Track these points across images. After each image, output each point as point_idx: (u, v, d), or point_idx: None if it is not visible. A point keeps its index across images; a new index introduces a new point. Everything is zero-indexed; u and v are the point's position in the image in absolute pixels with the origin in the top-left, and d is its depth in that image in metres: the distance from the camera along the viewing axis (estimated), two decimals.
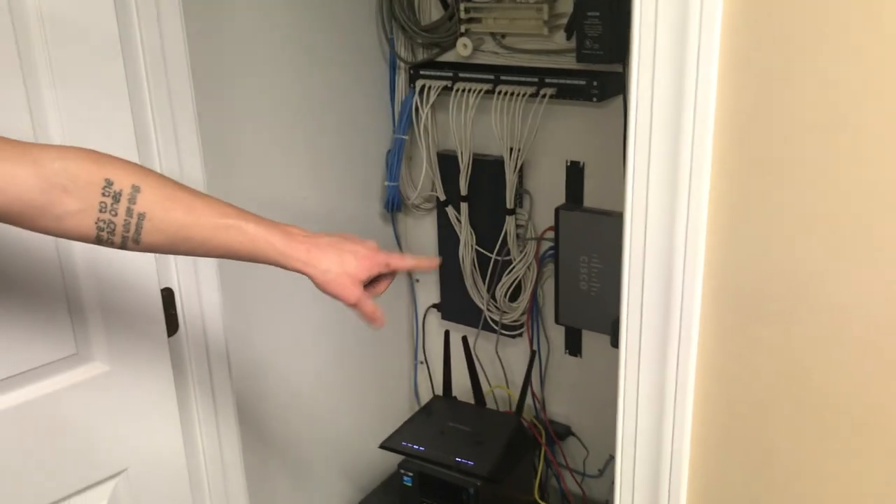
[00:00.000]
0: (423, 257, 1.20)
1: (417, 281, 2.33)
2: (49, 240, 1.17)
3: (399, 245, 2.26)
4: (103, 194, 0.94)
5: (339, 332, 2.12)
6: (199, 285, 1.47)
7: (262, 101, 1.83)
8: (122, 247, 0.98)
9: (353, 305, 1.07)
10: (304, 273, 1.04)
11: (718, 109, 0.89)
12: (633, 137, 0.94)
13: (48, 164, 0.91)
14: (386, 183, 2.15)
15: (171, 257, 1.42)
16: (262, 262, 1.04)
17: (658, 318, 0.99)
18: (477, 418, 1.96)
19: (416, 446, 1.82)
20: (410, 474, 1.80)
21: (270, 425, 1.94)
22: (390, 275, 1.13)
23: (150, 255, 1.36)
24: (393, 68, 2.11)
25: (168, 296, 1.43)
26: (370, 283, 1.10)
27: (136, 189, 0.95)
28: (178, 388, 1.45)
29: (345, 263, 1.05)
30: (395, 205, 2.17)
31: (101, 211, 0.94)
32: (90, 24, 1.21)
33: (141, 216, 0.96)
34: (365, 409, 2.23)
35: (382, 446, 1.86)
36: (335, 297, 1.07)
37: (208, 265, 1.48)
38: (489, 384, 2.18)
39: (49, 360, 1.27)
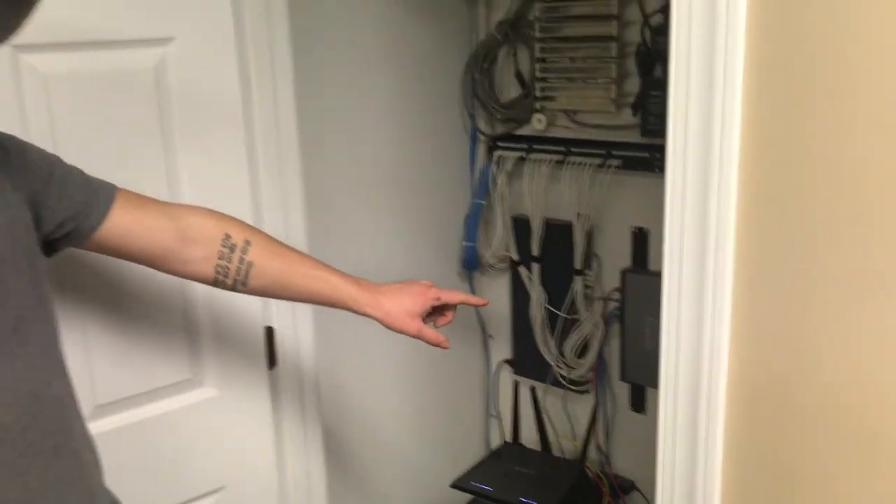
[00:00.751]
0: (472, 296, 1.42)
1: (491, 337, 2.49)
2: (175, 281, 1.39)
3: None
4: (222, 245, 1.20)
5: (418, 378, 2.28)
6: (296, 326, 1.66)
7: (354, 167, 2.04)
8: (232, 288, 1.23)
9: (416, 336, 1.28)
10: (371, 316, 1.28)
11: (740, 178, 1.03)
12: (668, 208, 1.10)
13: (182, 220, 1.18)
14: (464, 243, 2.34)
15: (274, 301, 1.62)
16: (340, 307, 1.28)
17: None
18: (543, 464, 2.08)
19: (484, 486, 1.96)
20: None
21: (352, 456, 2.11)
22: (452, 307, 1.32)
23: (256, 298, 1.56)
24: (473, 140, 2.32)
25: (269, 333, 1.63)
26: (437, 314, 1.29)
27: (247, 243, 1.21)
28: (275, 415, 1.64)
29: (403, 303, 1.27)
30: (471, 264, 2.34)
31: (219, 258, 1.20)
32: (218, 96, 1.44)
33: (249, 264, 1.21)
34: (438, 451, 2.36)
35: (454, 485, 2.00)
36: (399, 331, 1.28)
37: (304, 308, 1.68)
38: (556, 435, 2.30)
39: (166, 384, 1.48)
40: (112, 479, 1.23)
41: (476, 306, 1.38)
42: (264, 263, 1.22)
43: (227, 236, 1.21)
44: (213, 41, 1.42)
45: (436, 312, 1.33)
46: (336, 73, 1.95)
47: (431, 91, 2.21)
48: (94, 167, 1.24)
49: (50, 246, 1.09)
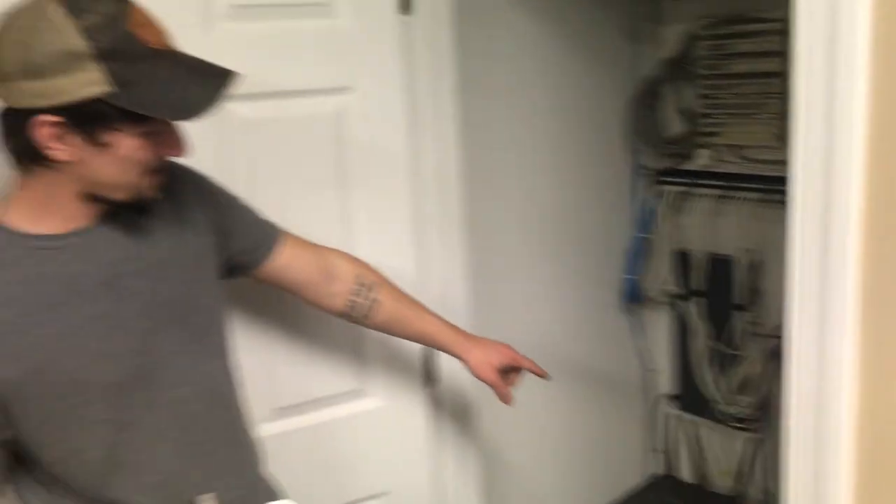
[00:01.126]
0: (539, 367, 1.56)
1: (652, 370, 2.51)
2: None
3: (636, 335, 2.46)
4: (356, 284, 1.41)
5: (578, 406, 2.35)
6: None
7: (517, 201, 2.16)
8: (356, 321, 1.46)
9: (491, 384, 1.50)
10: (462, 359, 1.50)
11: (863, 208, 1.05)
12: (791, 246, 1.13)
13: (329, 260, 1.42)
14: (625, 276, 2.38)
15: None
16: (439, 348, 1.54)
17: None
18: (697, 498, 2.08)
19: None
20: None
21: (509, 474, 2.20)
22: (518, 370, 1.54)
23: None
24: (636, 175, 2.37)
25: (430, 352, 1.77)
26: (512, 373, 1.53)
27: (377, 284, 1.44)
28: (435, 429, 1.77)
29: (489, 356, 1.49)
30: (632, 297, 2.38)
31: (352, 294, 1.42)
32: (389, 138, 1.61)
33: (375, 301, 1.43)
34: (594, 479, 2.40)
35: None
36: (480, 378, 1.50)
37: (461, 324, 1.80)
38: (714, 471, 2.28)
39: (335, 393, 1.64)
40: (284, 475, 1.41)
41: (541, 376, 1.54)
42: (387, 303, 1.45)
43: (362, 279, 1.42)
44: (386, 91, 1.59)
45: (512, 371, 1.53)
46: (501, 111, 2.08)
47: (594, 127, 2.29)
48: (283, 196, 1.47)
49: (224, 275, 1.29)
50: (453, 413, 1.81)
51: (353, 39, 1.54)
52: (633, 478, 2.54)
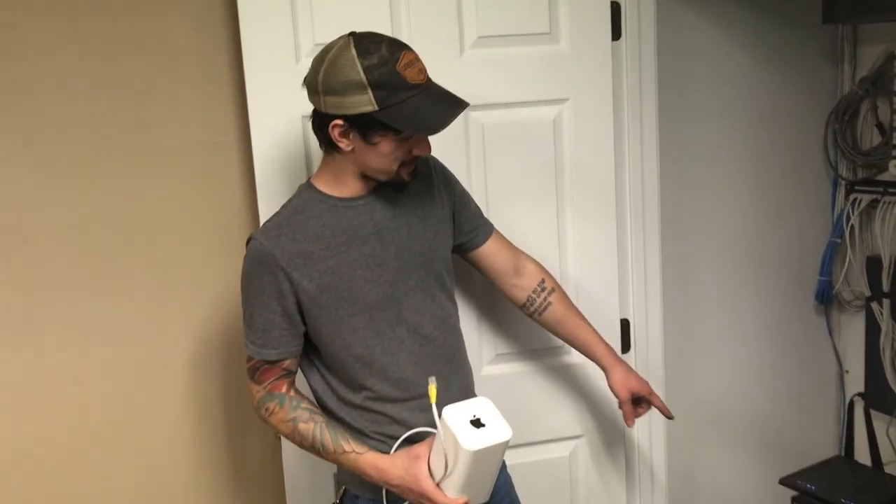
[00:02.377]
0: (664, 406, 1.84)
1: (847, 372, 2.65)
2: (555, 272, 1.94)
3: (830, 333, 2.63)
4: (538, 285, 1.79)
5: (768, 399, 2.56)
6: (647, 318, 2.11)
7: (716, 202, 2.42)
8: (530, 314, 1.82)
9: (622, 401, 1.80)
10: (608, 372, 1.81)
11: None
12: None
13: (522, 260, 1.81)
14: (819, 278, 2.57)
15: (631, 294, 2.09)
16: (591, 358, 1.84)
17: None
18: (870, 478, 2.24)
19: (809, 485, 2.18)
20: None
21: (694, 425, 2.46)
22: (648, 404, 1.83)
23: (616, 293, 2.04)
24: (834, 185, 2.55)
25: (625, 324, 2.10)
26: (644, 403, 1.83)
27: (554, 290, 1.80)
28: None
29: (629, 380, 1.80)
30: (825, 297, 2.56)
31: (532, 292, 1.79)
32: (596, 137, 1.97)
33: (549, 303, 1.79)
34: (779, 463, 2.57)
35: (782, 481, 2.26)
36: (615, 392, 1.80)
37: (655, 304, 2.12)
38: (892, 458, 2.40)
39: (542, 347, 2.01)
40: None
41: (667, 416, 1.86)
42: (558, 307, 1.80)
43: (543, 282, 1.80)
44: (596, 102, 1.95)
45: (643, 401, 1.83)
46: (700, 122, 2.37)
47: (795, 141, 2.51)
48: (510, 187, 1.91)
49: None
50: (644, 375, 2.13)
51: (570, 60, 1.92)
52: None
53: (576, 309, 1.83)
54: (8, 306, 1.90)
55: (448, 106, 1.46)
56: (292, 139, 1.82)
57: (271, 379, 1.57)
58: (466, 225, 1.73)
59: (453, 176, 1.73)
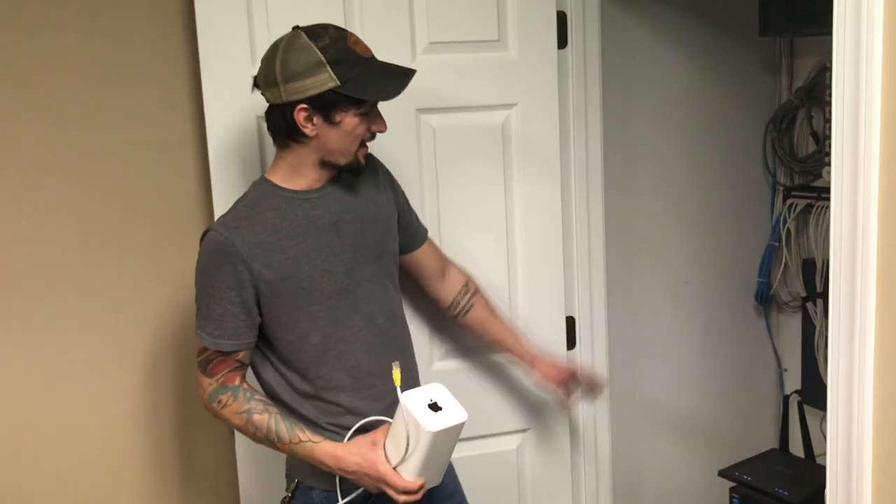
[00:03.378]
0: (596, 378, 2.00)
1: (786, 370, 2.76)
2: (503, 272, 2.01)
3: (770, 333, 2.74)
4: (462, 286, 1.89)
5: (709, 397, 2.66)
6: (592, 315, 2.19)
7: (657, 203, 2.52)
8: (453, 316, 1.91)
9: (553, 391, 1.93)
10: (530, 369, 1.93)
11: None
12: None
13: (448, 267, 1.91)
14: (758, 279, 2.68)
15: (577, 293, 2.17)
16: (511, 357, 1.96)
17: None
18: (804, 468, 2.34)
19: (746, 476, 2.28)
20: (737, 496, 2.27)
21: (635, 427, 2.55)
22: (577, 382, 1.95)
23: (561, 291, 2.12)
24: (773, 190, 2.67)
25: (570, 321, 2.18)
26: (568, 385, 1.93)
27: (476, 293, 1.91)
28: None
29: (552, 369, 1.92)
30: (764, 298, 2.67)
31: (457, 294, 1.89)
32: (543, 141, 2.04)
33: (471, 304, 1.89)
34: (715, 456, 2.67)
35: (720, 473, 2.35)
36: (544, 385, 1.94)
37: (599, 302, 2.20)
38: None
39: None
40: None
41: (598, 386, 2.01)
42: (479, 310, 1.91)
43: (467, 286, 1.90)
44: (543, 107, 2.03)
45: (571, 382, 1.95)
46: (644, 129, 2.47)
47: (735, 147, 2.63)
48: (460, 188, 1.96)
49: None
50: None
51: (518, 67, 1.99)
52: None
53: (496, 312, 1.93)
54: None
55: (400, 74, 1.56)
56: (247, 138, 1.87)
57: (224, 371, 1.61)
58: (407, 228, 1.80)
59: (395, 179, 1.81)
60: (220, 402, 1.61)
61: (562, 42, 2.06)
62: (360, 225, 1.65)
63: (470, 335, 1.99)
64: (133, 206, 2.00)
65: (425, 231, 1.86)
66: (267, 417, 1.59)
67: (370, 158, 1.69)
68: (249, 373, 1.67)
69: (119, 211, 1.99)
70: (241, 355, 1.62)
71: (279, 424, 1.59)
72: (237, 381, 1.62)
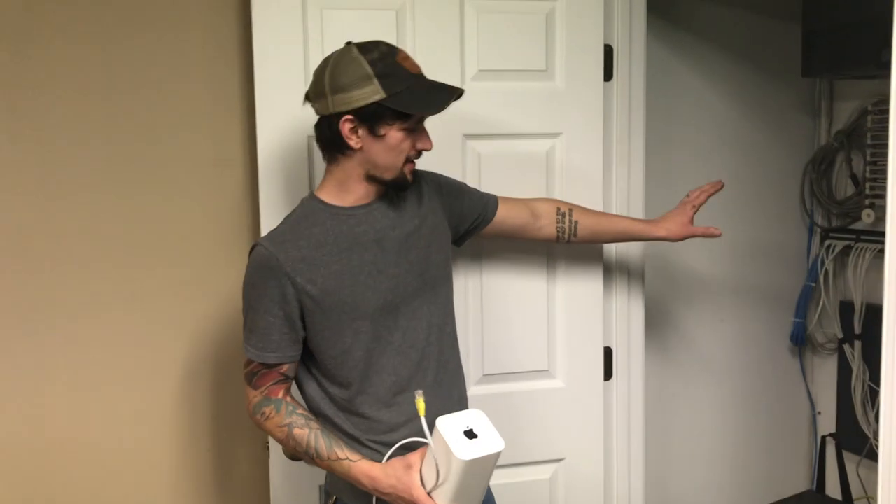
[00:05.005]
0: (710, 186, 2.00)
1: (819, 413, 2.74)
2: (543, 297, 2.02)
3: (804, 375, 2.72)
4: (557, 214, 1.89)
5: (741, 435, 2.63)
6: (629, 348, 2.19)
7: (698, 250, 2.52)
8: (567, 241, 1.93)
9: (694, 235, 1.95)
10: (661, 236, 1.95)
11: None
12: None
13: (531, 204, 1.90)
14: (794, 320, 2.66)
15: (615, 324, 2.17)
16: (639, 238, 1.99)
17: None
18: None
19: None
20: None
21: (671, 454, 2.52)
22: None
23: (600, 326, 2.12)
24: (810, 231, 2.67)
25: (608, 352, 2.17)
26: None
27: (571, 210, 1.91)
28: (605, 414, 2.16)
29: (676, 219, 1.94)
30: (799, 339, 2.66)
31: (557, 223, 1.89)
32: (586, 171, 2.06)
33: (575, 223, 1.90)
34: (757, 492, 2.65)
35: None
36: (682, 237, 1.95)
37: (637, 335, 2.20)
38: (865, 494, 2.47)
39: (530, 370, 2.08)
40: None
41: (717, 189, 2.00)
42: (585, 220, 1.91)
43: (559, 209, 1.90)
44: (588, 135, 2.05)
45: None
46: (684, 164, 2.49)
47: (774, 188, 2.64)
48: None
49: (462, 238, 1.82)
50: (622, 404, 2.20)
51: (565, 97, 2.03)
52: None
53: (598, 212, 1.97)
54: (9, 312, 1.95)
55: (446, 91, 1.58)
56: (297, 157, 1.90)
57: (268, 384, 1.62)
58: (475, 209, 1.81)
59: (443, 177, 1.80)
60: (263, 414, 1.62)
61: (607, 74, 2.09)
62: (404, 241, 1.66)
63: (518, 358, 2.02)
64: (183, 218, 2.03)
65: (495, 199, 1.85)
66: (307, 433, 1.60)
67: (415, 173, 1.70)
68: (295, 389, 1.69)
69: (169, 222, 2.03)
70: (284, 368, 1.63)
71: (318, 440, 1.59)
72: (280, 395, 1.63)
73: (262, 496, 2.11)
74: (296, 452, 1.62)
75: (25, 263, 1.94)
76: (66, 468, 2.02)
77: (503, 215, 1.85)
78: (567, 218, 1.90)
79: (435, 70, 1.90)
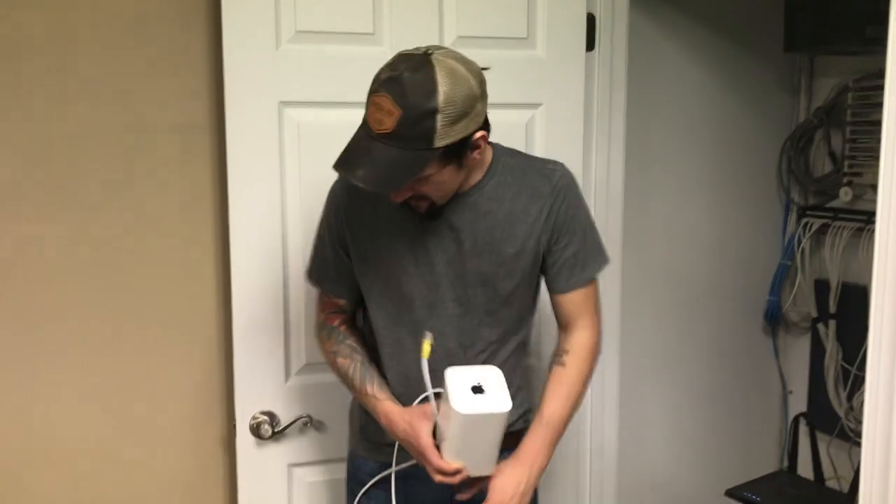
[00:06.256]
0: None
1: (791, 392, 2.73)
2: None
3: (776, 353, 2.71)
4: (562, 349, 1.67)
5: (712, 413, 2.62)
6: (606, 327, 2.13)
7: (669, 217, 2.49)
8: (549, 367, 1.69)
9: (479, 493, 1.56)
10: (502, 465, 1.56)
11: None
12: None
13: (573, 325, 1.67)
14: (768, 297, 2.64)
15: None
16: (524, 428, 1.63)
17: None
18: (813, 491, 2.31)
19: (754, 497, 2.24)
20: None
21: (643, 447, 2.51)
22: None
23: None
24: (787, 208, 2.64)
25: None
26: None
27: (564, 364, 1.64)
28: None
29: (509, 482, 1.53)
30: (773, 317, 2.64)
31: (555, 350, 1.69)
32: (566, 143, 2.00)
33: (550, 367, 1.66)
34: (725, 481, 2.63)
35: (727, 492, 2.31)
36: (486, 489, 1.54)
37: (614, 315, 2.15)
38: (834, 475, 2.48)
39: None
40: None
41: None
42: (550, 376, 1.63)
43: (567, 351, 1.64)
44: (569, 106, 1.99)
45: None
46: (661, 139, 2.44)
47: (751, 164, 2.60)
48: None
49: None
50: (598, 381, 2.16)
51: (546, 67, 1.96)
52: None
53: (557, 392, 1.61)
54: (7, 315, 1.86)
55: (352, 165, 1.41)
56: (267, 124, 1.81)
57: (328, 310, 1.69)
58: (553, 271, 1.63)
59: (578, 216, 1.61)
60: (319, 338, 1.70)
61: (589, 44, 2.02)
62: (470, 246, 1.56)
63: None
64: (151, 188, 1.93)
65: (576, 284, 1.61)
66: (348, 363, 1.64)
67: (535, 189, 1.57)
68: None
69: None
70: (340, 302, 1.68)
71: (356, 372, 1.63)
72: (336, 323, 1.68)
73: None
74: (339, 378, 1.67)
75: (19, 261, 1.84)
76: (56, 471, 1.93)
77: (556, 302, 1.65)
78: (553, 358, 1.66)
79: (413, 36, 1.84)
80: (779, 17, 2.38)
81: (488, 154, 1.60)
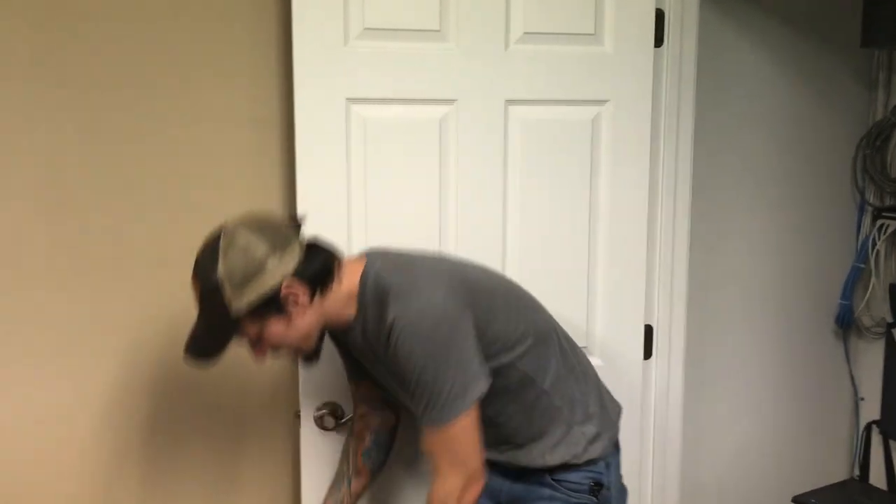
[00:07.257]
0: None
1: (862, 399, 2.65)
2: (586, 277, 1.95)
3: (848, 359, 2.63)
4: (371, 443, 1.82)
5: (781, 419, 2.56)
6: (670, 327, 2.11)
7: (739, 216, 2.43)
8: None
9: None
10: None
11: None
12: None
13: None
14: (839, 301, 2.57)
15: (657, 301, 2.09)
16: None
17: None
18: (886, 501, 2.23)
19: None
20: None
21: (707, 437, 2.46)
22: None
23: (642, 297, 2.04)
24: (861, 210, 2.56)
25: (648, 330, 2.10)
26: None
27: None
28: (644, 394, 2.09)
29: None
30: (845, 321, 2.56)
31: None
32: (633, 141, 1.97)
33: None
34: (793, 485, 2.57)
35: (794, 499, 2.25)
36: None
37: (679, 313, 2.12)
38: None
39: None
40: None
41: None
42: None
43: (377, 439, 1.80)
44: (636, 103, 1.96)
45: None
46: (733, 136, 2.39)
47: (823, 162, 2.54)
48: (545, 184, 1.93)
49: None
50: (660, 384, 2.13)
51: (613, 63, 1.94)
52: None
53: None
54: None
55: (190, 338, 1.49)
56: (335, 120, 1.83)
57: None
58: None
59: (413, 360, 1.48)
60: None
61: (658, 40, 1.99)
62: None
63: None
64: (217, 178, 1.96)
65: (424, 421, 1.51)
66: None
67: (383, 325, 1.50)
68: None
69: (203, 185, 1.96)
70: None
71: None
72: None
73: None
74: None
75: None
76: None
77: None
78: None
79: (479, 32, 1.84)
80: (855, 11, 2.31)
81: (349, 284, 1.53)
